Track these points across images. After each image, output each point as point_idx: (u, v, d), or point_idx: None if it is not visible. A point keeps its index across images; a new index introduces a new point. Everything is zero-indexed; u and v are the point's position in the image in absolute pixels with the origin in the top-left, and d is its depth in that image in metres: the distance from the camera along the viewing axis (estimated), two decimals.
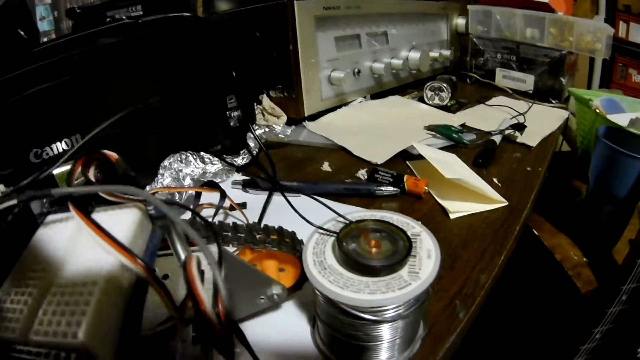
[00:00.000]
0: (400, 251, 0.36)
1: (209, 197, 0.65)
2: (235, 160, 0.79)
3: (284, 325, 0.46)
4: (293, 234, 0.46)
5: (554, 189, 1.10)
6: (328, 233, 0.40)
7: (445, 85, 1.10)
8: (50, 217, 0.32)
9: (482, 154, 0.82)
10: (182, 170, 0.70)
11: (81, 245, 0.28)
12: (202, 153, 0.74)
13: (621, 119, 0.88)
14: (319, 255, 0.38)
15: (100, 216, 0.32)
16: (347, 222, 0.40)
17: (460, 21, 1.41)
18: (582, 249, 0.90)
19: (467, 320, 0.48)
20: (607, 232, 0.86)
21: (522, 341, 1.07)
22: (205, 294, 0.26)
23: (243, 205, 0.66)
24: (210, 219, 0.55)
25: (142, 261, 0.27)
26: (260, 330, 0.45)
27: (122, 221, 0.31)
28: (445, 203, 0.67)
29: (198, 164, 0.73)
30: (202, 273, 0.28)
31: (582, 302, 0.81)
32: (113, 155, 0.37)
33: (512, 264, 0.91)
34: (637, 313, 0.72)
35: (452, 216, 0.65)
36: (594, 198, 0.86)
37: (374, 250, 0.37)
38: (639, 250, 0.67)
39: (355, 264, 0.35)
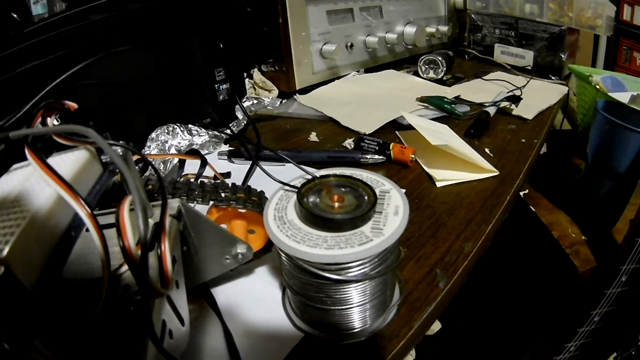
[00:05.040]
0: (363, 206, 0.34)
1: (195, 167, 0.63)
2: (223, 132, 0.77)
3: (255, 292, 0.45)
4: (261, 193, 0.44)
5: (554, 167, 1.07)
6: (291, 189, 0.37)
7: (440, 58, 1.07)
8: (15, 165, 0.33)
9: (475, 124, 0.80)
10: (167, 142, 0.70)
11: (30, 182, 0.29)
12: (189, 125, 0.73)
13: (622, 97, 0.85)
14: (280, 211, 0.35)
15: (54, 159, 0.33)
16: (312, 177, 0.38)
17: None
18: (581, 228, 0.88)
19: (448, 291, 0.45)
20: (606, 210, 0.84)
21: (517, 321, 1.05)
22: (130, 229, 0.24)
23: (227, 175, 0.65)
24: None
25: (79, 196, 0.26)
26: (232, 296, 0.44)
27: (68, 160, 0.33)
28: (432, 171, 0.64)
29: (185, 135, 0.72)
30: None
31: (579, 282, 0.79)
32: (72, 104, 0.37)
33: (507, 240, 0.89)
34: (637, 296, 0.70)
35: (438, 184, 0.62)
36: (592, 174, 0.83)
37: (336, 204, 0.34)
38: (639, 229, 0.64)
39: (313, 217, 0.32)
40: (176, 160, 0.64)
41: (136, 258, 0.24)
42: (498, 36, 1.28)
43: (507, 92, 0.95)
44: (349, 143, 0.75)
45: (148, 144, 0.68)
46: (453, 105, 0.86)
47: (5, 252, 0.23)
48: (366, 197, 0.35)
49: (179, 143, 0.71)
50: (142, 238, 0.24)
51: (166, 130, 0.70)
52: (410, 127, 0.74)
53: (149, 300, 0.25)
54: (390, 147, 0.68)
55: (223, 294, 0.44)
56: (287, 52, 0.94)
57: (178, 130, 0.71)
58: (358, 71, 1.12)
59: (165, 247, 0.27)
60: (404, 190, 0.37)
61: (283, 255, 0.35)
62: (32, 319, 0.23)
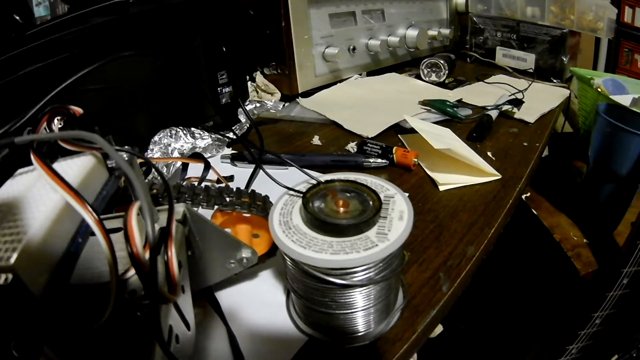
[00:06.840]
0: (368, 211, 0.34)
1: (198, 170, 0.63)
2: (226, 136, 0.77)
3: (259, 296, 0.45)
4: (265, 197, 0.44)
5: (555, 169, 1.07)
6: (296, 194, 0.37)
7: (442, 61, 1.07)
8: (19, 170, 0.33)
9: (477, 128, 0.80)
10: (170, 145, 0.70)
11: (37, 187, 0.29)
12: (192, 128, 0.73)
13: (624, 100, 0.85)
14: (285, 216, 0.35)
15: (59, 164, 0.33)
16: (316, 182, 0.38)
17: (459, 0, 1.38)
18: (583, 230, 0.88)
19: (451, 294, 0.45)
20: (608, 213, 0.84)
21: (518, 324, 1.05)
22: (138, 235, 0.24)
23: (230, 178, 0.65)
24: None
25: (86, 202, 0.26)
26: (236, 300, 0.44)
27: (75, 166, 0.32)
28: (434, 175, 0.64)
29: (188, 139, 0.72)
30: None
31: (581, 284, 0.79)
32: (78, 109, 0.37)
33: (509, 243, 0.89)
34: (638, 298, 0.70)
35: (441, 188, 0.62)
36: (593, 177, 0.83)
37: (341, 209, 0.34)
38: None
39: (318, 222, 0.33)
40: (179, 163, 0.64)
41: (144, 263, 0.24)
42: (500, 39, 1.28)
43: (509, 95, 0.95)
44: (351, 146, 0.75)
45: (151, 147, 0.68)
46: (455, 109, 0.86)
47: (13, 260, 0.23)
48: (371, 202, 0.35)
49: (182, 146, 0.71)
50: (150, 244, 0.24)
51: (169, 134, 0.70)
52: (412, 131, 0.74)
53: (157, 306, 0.25)
54: (393, 151, 0.68)
55: (227, 297, 0.44)
56: (289, 55, 0.94)
57: (181, 133, 0.71)
58: (360, 74, 1.12)
59: (172, 252, 0.27)
60: (407, 195, 0.38)
61: (288, 260, 0.35)
62: (41, 325, 0.23)
